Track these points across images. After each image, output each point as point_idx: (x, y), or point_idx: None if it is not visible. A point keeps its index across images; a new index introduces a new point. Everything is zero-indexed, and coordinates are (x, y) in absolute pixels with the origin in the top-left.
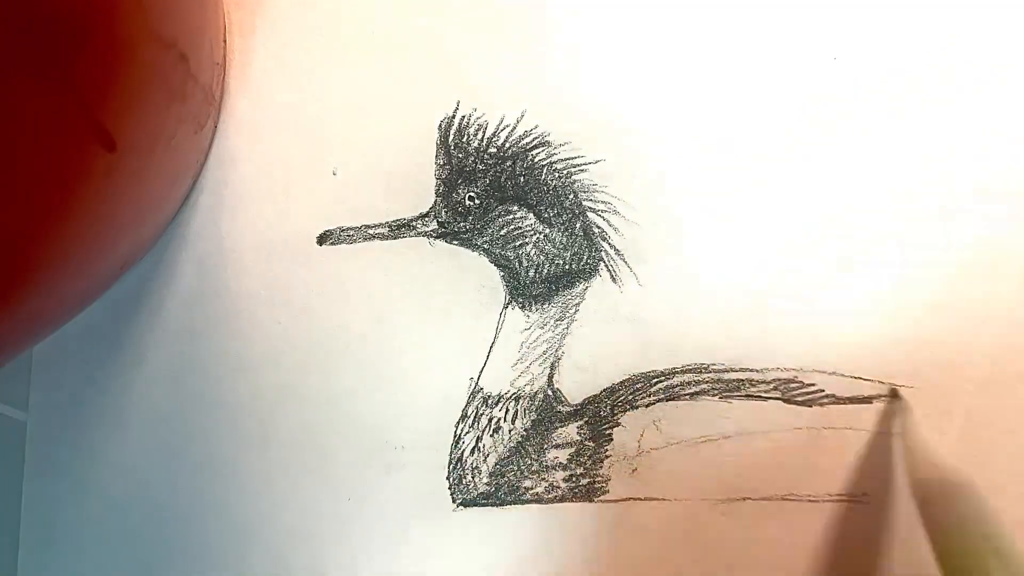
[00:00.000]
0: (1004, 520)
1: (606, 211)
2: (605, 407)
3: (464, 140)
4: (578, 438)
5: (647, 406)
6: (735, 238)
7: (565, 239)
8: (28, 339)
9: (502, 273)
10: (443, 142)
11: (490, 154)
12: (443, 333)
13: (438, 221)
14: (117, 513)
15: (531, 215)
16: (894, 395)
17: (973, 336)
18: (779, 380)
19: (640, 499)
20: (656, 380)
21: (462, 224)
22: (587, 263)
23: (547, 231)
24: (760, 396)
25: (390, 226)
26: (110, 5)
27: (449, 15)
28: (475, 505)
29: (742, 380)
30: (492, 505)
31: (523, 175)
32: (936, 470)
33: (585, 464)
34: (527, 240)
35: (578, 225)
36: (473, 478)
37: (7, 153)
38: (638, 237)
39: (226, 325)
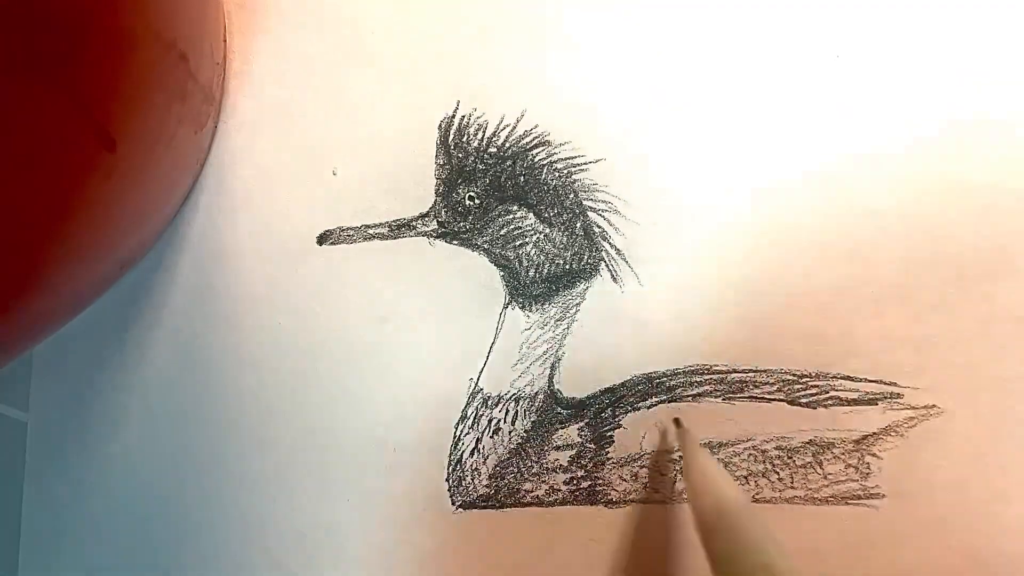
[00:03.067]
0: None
1: (606, 211)
2: (606, 409)
3: (464, 140)
4: (579, 440)
5: (649, 408)
6: (736, 237)
7: (565, 239)
8: (28, 339)
9: (502, 273)
10: (443, 142)
11: (490, 154)
12: (443, 333)
13: (438, 221)
14: (117, 513)
15: (531, 215)
16: (677, 423)
17: (975, 336)
18: (783, 381)
19: (642, 502)
20: (658, 381)
21: (462, 224)
22: (587, 263)
23: (547, 231)
24: (764, 398)
25: (390, 226)
26: (110, 5)
27: (449, 15)
28: (475, 507)
29: (745, 381)
30: (492, 507)
31: (523, 175)
32: (714, 495)
33: (586, 467)
34: (527, 240)
35: (578, 225)
36: (473, 480)
37: (7, 153)
38: (639, 237)
39: (226, 325)
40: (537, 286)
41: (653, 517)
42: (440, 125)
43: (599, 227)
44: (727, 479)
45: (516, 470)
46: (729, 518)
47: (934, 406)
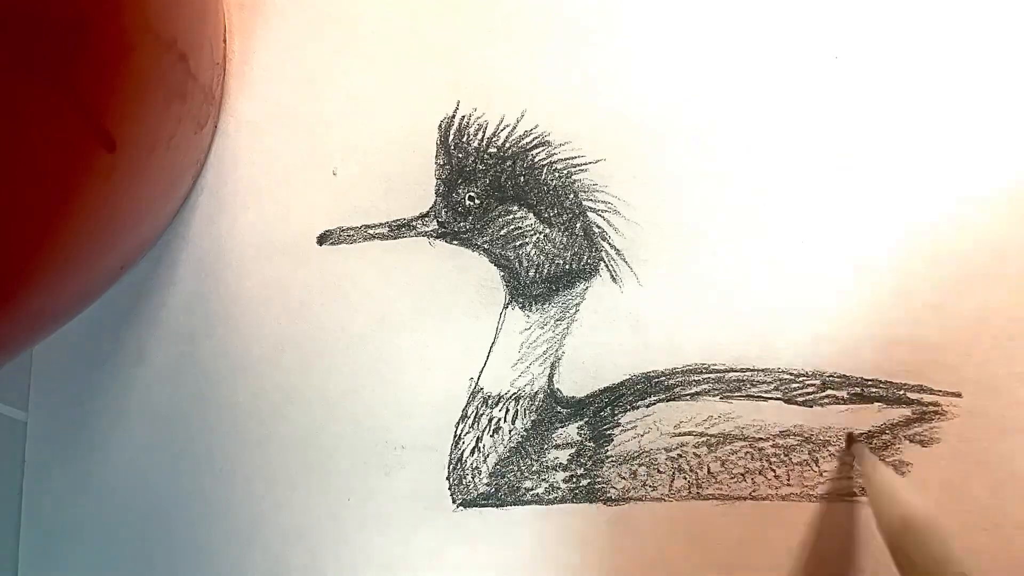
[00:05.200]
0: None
1: (606, 211)
2: (605, 407)
3: (464, 140)
4: (578, 438)
5: (647, 406)
6: (735, 238)
7: (565, 239)
8: (28, 339)
9: (502, 273)
10: (443, 142)
11: (490, 154)
12: (443, 333)
13: (438, 221)
14: (117, 513)
15: (531, 215)
16: (851, 440)
17: (973, 337)
18: (780, 380)
19: (640, 500)
20: (656, 380)
21: (462, 224)
22: (587, 263)
23: (547, 231)
24: (761, 396)
25: (390, 226)
26: (110, 5)
27: (449, 16)
28: (475, 506)
29: (742, 380)
30: (492, 506)
31: (523, 175)
32: (901, 508)
33: (585, 465)
34: (527, 240)
35: (578, 225)
36: (473, 478)
37: (7, 153)
38: (638, 237)
39: (226, 325)
40: (537, 286)
41: (651, 515)
42: (440, 125)
43: (599, 227)
44: (911, 492)
45: (516, 468)
46: (916, 531)
47: (930, 405)
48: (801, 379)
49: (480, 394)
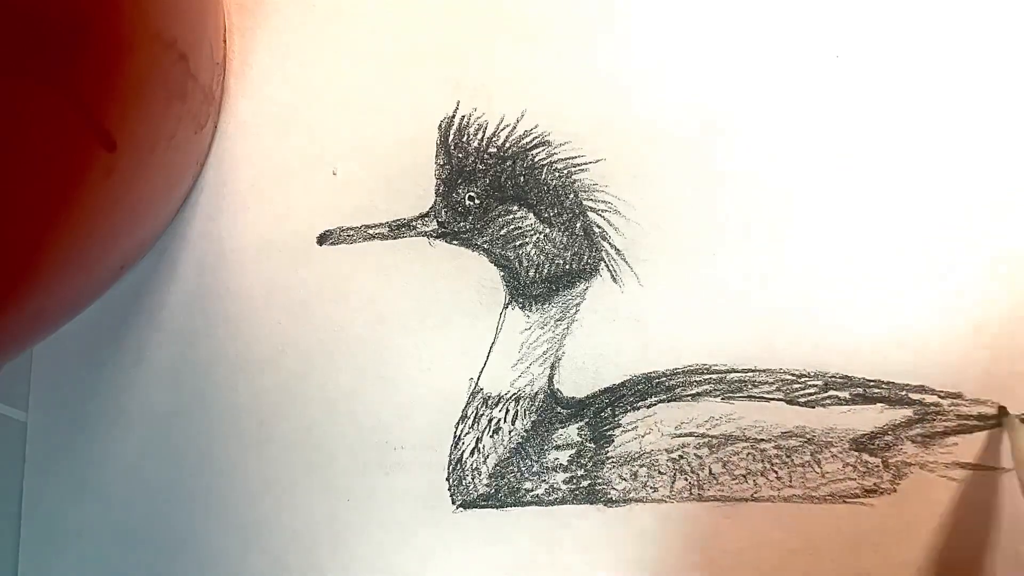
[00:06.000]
0: None
1: (606, 211)
2: (606, 408)
3: (464, 140)
4: (579, 439)
5: (648, 407)
6: (736, 237)
7: (565, 239)
8: (28, 339)
9: (502, 273)
10: (443, 142)
11: (490, 154)
12: (443, 333)
13: (438, 221)
14: (117, 513)
15: (531, 215)
16: (1003, 412)
17: (975, 337)
18: (781, 381)
19: (641, 501)
20: (657, 381)
21: (462, 224)
22: (587, 263)
23: (547, 231)
24: (762, 397)
25: (390, 226)
26: (110, 5)
27: (449, 16)
28: (475, 507)
29: (744, 381)
30: (492, 507)
31: (523, 175)
32: None
33: (586, 466)
34: (527, 240)
35: (578, 225)
36: (473, 479)
37: (7, 153)
38: (638, 237)
39: (226, 325)
40: (537, 286)
41: (653, 516)
42: (440, 125)
43: (599, 227)
44: None
45: (516, 469)
46: None
47: (931, 405)
48: (803, 380)
49: (480, 394)
